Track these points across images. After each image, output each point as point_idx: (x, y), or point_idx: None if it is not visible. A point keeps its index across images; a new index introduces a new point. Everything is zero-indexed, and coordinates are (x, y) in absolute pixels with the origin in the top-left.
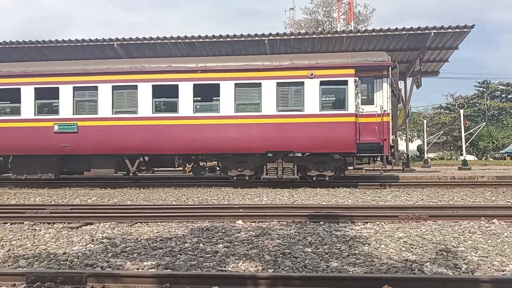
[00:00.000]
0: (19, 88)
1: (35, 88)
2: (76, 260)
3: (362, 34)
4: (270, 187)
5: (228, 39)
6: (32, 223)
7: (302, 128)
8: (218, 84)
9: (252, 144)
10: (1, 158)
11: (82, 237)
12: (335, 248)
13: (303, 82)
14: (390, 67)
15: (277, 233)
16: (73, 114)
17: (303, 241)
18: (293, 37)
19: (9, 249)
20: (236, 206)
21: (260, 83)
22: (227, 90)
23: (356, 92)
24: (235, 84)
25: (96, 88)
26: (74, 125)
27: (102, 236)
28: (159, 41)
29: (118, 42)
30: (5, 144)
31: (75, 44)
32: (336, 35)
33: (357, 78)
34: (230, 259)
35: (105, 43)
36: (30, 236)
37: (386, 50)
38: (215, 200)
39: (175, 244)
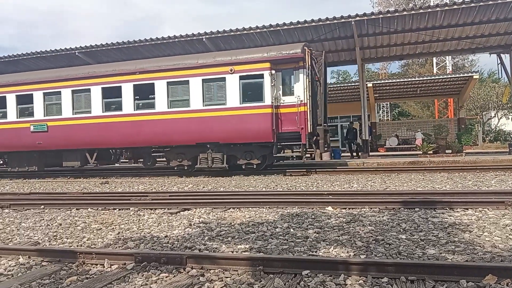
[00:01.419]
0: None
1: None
2: (176, 242)
3: (459, 7)
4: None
5: (313, 23)
6: (136, 208)
7: (226, 121)
8: (153, 84)
9: (184, 137)
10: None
11: (181, 222)
12: (432, 235)
13: (225, 77)
14: (304, 58)
15: (368, 219)
16: (44, 116)
17: (397, 228)
18: (381, 16)
19: (119, 232)
20: (326, 193)
21: (188, 81)
22: (161, 88)
23: (272, 84)
24: (167, 82)
25: (60, 92)
26: (45, 125)
27: (199, 221)
28: (245, 31)
29: (207, 36)
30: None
31: (167, 41)
32: (429, 10)
33: (273, 71)
34: (320, 245)
35: (195, 38)
36: (136, 220)
37: (495, 21)
38: (303, 186)
39: (267, 228)
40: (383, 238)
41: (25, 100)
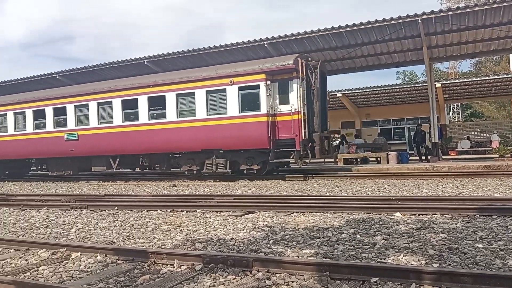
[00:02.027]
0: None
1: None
2: (242, 245)
3: None
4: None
5: (377, 24)
6: (203, 211)
7: (227, 129)
8: (164, 96)
9: (191, 144)
10: None
11: (246, 225)
12: None
13: (226, 88)
14: (298, 69)
15: (440, 226)
16: (75, 126)
17: (472, 236)
18: (451, 12)
19: (187, 234)
20: (393, 198)
21: (194, 92)
22: (171, 100)
23: (268, 94)
24: (176, 94)
25: (87, 105)
26: (76, 134)
27: (263, 224)
28: (307, 35)
29: (268, 41)
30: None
31: (230, 48)
32: (505, 3)
33: (268, 82)
34: (389, 252)
35: (256, 43)
36: (202, 222)
37: None
38: (369, 191)
39: (332, 234)
40: (457, 246)
41: (60, 112)
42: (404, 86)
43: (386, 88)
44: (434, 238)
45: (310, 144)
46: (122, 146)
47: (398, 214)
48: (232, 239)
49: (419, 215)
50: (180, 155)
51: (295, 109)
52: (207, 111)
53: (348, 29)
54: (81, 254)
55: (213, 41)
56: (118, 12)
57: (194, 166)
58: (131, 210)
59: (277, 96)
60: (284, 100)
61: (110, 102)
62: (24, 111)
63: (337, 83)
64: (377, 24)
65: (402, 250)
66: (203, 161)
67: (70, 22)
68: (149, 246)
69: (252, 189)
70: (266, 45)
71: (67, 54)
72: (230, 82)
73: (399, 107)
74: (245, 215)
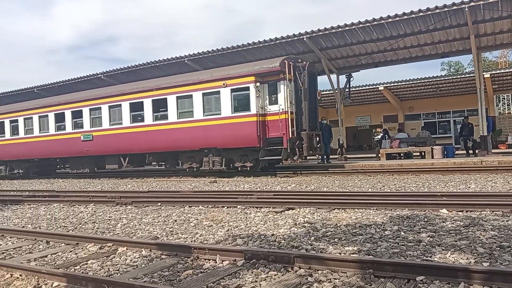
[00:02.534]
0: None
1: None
2: (283, 241)
3: None
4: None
5: (421, 13)
6: (243, 207)
7: (221, 128)
8: (166, 98)
9: (191, 143)
10: None
11: (286, 221)
12: None
13: (219, 91)
14: (284, 71)
15: (491, 223)
16: (90, 127)
17: None
18: None
19: (228, 229)
20: (439, 194)
21: (192, 95)
22: (172, 102)
23: (257, 95)
24: (177, 97)
25: (100, 108)
26: (90, 135)
27: (304, 221)
28: (347, 27)
29: (308, 35)
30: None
31: (268, 43)
32: None
33: (257, 84)
34: (436, 249)
35: (295, 38)
36: (243, 218)
37: None
38: (413, 187)
39: (375, 231)
40: (509, 244)
41: (77, 115)
42: (450, 78)
43: (430, 80)
44: (484, 235)
45: (298, 142)
46: (131, 145)
47: (444, 210)
48: (272, 235)
49: (467, 211)
50: (182, 153)
51: (282, 109)
52: (204, 112)
53: (390, 20)
54: (127, 249)
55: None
56: (159, 12)
57: (194, 164)
58: (173, 206)
59: (267, 97)
60: (273, 101)
61: (120, 105)
62: (47, 115)
63: (378, 76)
64: (421, 14)
65: (449, 248)
66: (202, 158)
67: (113, 24)
68: (191, 241)
69: (292, 185)
70: (305, 39)
71: (111, 55)
72: (223, 84)
73: (444, 99)
74: (285, 211)
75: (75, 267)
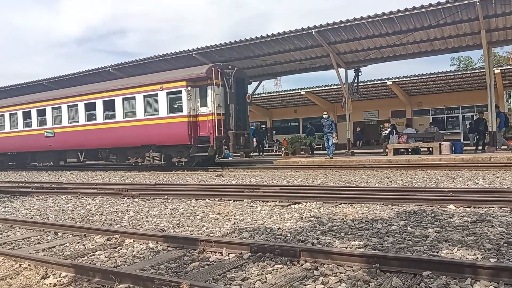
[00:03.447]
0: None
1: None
2: (289, 235)
3: None
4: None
5: (431, 8)
6: (250, 200)
7: (159, 127)
8: (114, 99)
9: (134, 140)
10: None
11: (292, 215)
12: None
13: (157, 93)
14: (211, 77)
15: (498, 220)
16: (52, 125)
17: None
18: None
19: (234, 222)
20: (446, 190)
21: (135, 96)
22: (119, 103)
23: (189, 98)
24: (123, 98)
25: (61, 107)
26: (52, 132)
27: (310, 215)
28: (356, 21)
29: (316, 29)
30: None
31: (277, 37)
32: None
33: (189, 88)
34: (442, 245)
35: (304, 32)
36: (249, 212)
37: None
38: (421, 183)
39: (381, 226)
40: None
41: (41, 113)
42: (460, 73)
43: (439, 75)
44: (491, 232)
45: (225, 140)
46: (86, 141)
47: (451, 206)
48: (279, 228)
49: (474, 207)
50: (129, 149)
51: (209, 111)
52: (145, 112)
53: (399, 14)
54: (134, 241)
55: (260, 31)
56: (168, 6)
57: (139, 159)
58: (180, 199)
59: (198, 99)
60: (204, 103)
61: (77, 105)
62: (16, 112)
63: (387, 71)
64: (431, 8)
65: (456, 244)
66: (144, 154)
67: (122, 18)
68: (198, 234)
69: (298, 179)
70: (313, 33)
71: (120, 48)
72: (160, 88)
73: (453, 94)
74: (292, 205)
75: (83, 258)
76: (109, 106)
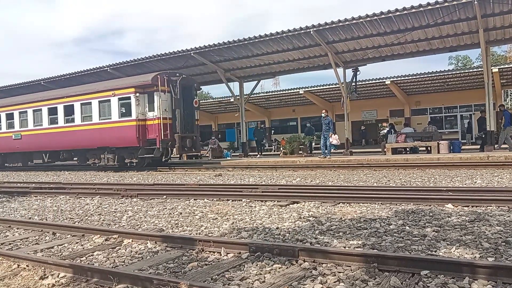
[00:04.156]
0: None
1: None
2: (287, 234)
3: None
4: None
5: (429, 7)
6: (248, 200)
7: (112, 131)
8: (73, 105)
9: (91, 142)
10: None
11: (291, 214)
12: None
13: (110, 99)
14: (157, 84)
15: (496, 219)
16: (19, 128)
17: None
18: None
19: (233, 222)
20: (445, 189)
21: (91, 102)
22: (78, 108)
23: (137, 104)
24: (81, 103)
25: (27, 111)
26: (19, 134)
27: (308, 214)
28: (354, 21)
29: (314, 29)
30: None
31: (275, 36)
32: None
33: (137, 94)
34: (440, 244)
35: (302, 31)
36: (248, 211)
37: None
38: (419, 182)
39: (380, 225)
40: None
41: (10, 117)
42: (458, 72)
43: (438, 75)
44: (489, 231)
45: (171, 142)
46: (49, 144)
47: (449, 205)
48: (277, 228)
49: (472, 206)
50: (87, 151)
51: (156, 116)
52: (100, 116)
53: (397, 13)
54: (132, 241)
55: (259, 31)
56: (166, 5)
57: (96, 160)
58: (179, 199)
59: (147, 105)
60: (151, 108)
61: (41, 110)
62: None
63: (385, 70)
64: (429, 7)
65: (454, 243)
66: (100, 156)
67: (120, 17)
68: (196, 234)
69: (297, 179)
70: (311, 32)
71: (117, 48)
72: (113, 94)
73: (452, 94)
74: (290, 205)
75: (81, 258)
76: (69, 110)
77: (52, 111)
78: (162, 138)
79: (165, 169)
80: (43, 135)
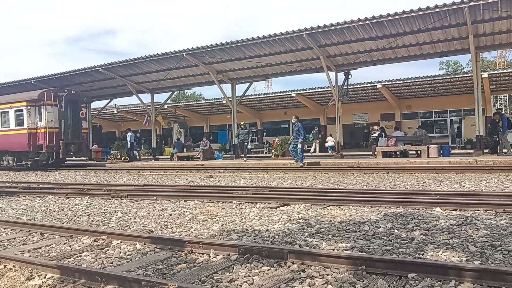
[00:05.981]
0: None
1: None
2: (277, 237)
3: None
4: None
5: (420, 12)
6: (239, 202)
7: (10, 138)
8: None
9: None
10: None
11: (281, 217)
12: None
13: (9, 111)
14: (44, 99)
15: (483, 223)
16: None
17: None
18: None
19: (223, 224)
20: (433, 192)
21: None
22: None
23: (28, 115)
24: None
25: None
26: None
27: (298, 217)
28: (346, 25)
29: (307, 32)
30: None
31: (267, 39)
32: None
33: (29, 107)
34: (428, 247)
35: (295, 34)
36: (238, 213)
37: None
38: (408, 185)
39: (369, 228)
40: (500, 244)
41: None
42: (448, 77)
43: (428, 79)
44: (476, 234)
45: (55, 148)
46: None
47: (438, 209)
48: (267, 230)
49: (460, 210)
50: None
51: (42, 126)
52: (1, 125)
53: (389, 18)
54: (121, 242)
55: (251, 32)
56: (159, 5)
57: (1, 161)
58: (169, 200)
59: (37, 116)
60: (41, 119)
61: None
62: None
63: (377, 74)
64: (420, 13)
65: (441, 246)
66: (3, 158)
67: (112, 17)
68: (186, 235)
69: (288, 181)
70: (304, 36)
71: (110, 48)
72: (10, 106)
73: (442, 98)
74: (280, 207)
75: (69, 259)
76: None
77: None
78: (48, 144)
79: (79, 168)
80: None
